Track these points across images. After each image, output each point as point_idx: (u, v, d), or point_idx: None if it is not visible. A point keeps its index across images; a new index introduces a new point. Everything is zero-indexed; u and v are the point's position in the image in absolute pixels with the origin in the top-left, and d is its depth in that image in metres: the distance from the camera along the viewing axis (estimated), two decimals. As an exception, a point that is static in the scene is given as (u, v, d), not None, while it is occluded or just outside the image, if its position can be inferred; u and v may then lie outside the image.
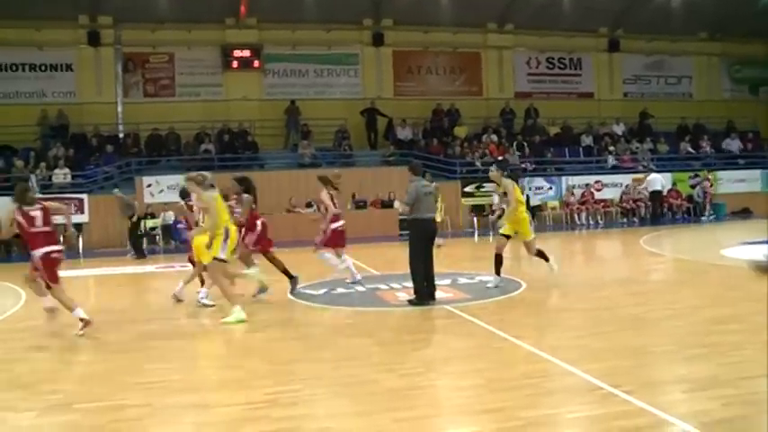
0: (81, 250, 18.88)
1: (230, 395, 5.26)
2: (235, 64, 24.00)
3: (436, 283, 9.05)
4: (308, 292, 10.10)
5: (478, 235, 20.57)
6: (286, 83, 24.70)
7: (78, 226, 19.18)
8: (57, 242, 7.88)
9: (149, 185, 20.29)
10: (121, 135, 23.13)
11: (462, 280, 10.60)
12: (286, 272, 10.01)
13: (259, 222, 9.89)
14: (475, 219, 22.07)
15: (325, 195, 10.57)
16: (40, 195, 19.26)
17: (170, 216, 19.38)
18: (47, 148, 21.81)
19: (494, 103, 26.32)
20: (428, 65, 26.23)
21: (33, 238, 7.72)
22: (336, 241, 10.48)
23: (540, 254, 10.17)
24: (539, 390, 5.10)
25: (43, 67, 23.22)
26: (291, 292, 9.87)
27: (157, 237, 19.68)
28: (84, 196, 19.78)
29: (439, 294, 9.01)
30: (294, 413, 4.80)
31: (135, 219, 17.39)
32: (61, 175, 20.50)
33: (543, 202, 23.23)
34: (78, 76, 23.39)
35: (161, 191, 20.25)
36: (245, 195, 9.72)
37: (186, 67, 24.05)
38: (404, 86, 25.97)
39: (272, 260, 10.05)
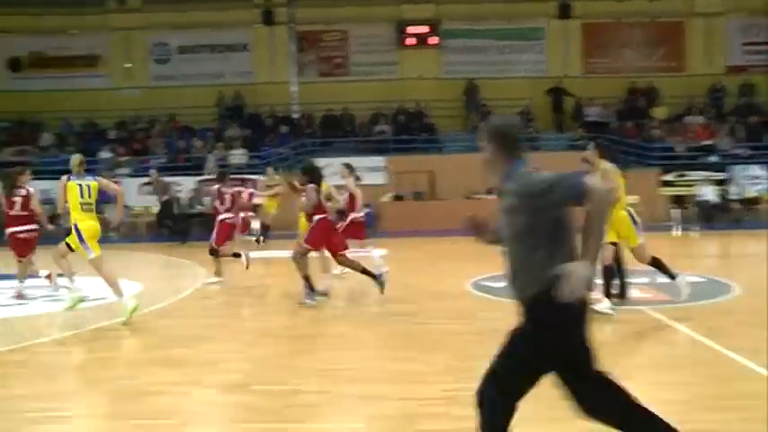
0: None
1: (407, 388, 5.35)
2: (410, 41, 24.31)
3: (631, 281, 8.64)
4: (488, 284, 10.06)
5: (682, 229, 19.33)
6: (465, 60, 24.64)
7: (255, 207, 20.51)
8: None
9: (324, 167, 21.14)
10: (296, 116, 24.34)
11: (662, 279, 10.01)
12: (366, 272, 9.19)
13: (316, 218, 9.22)
14: (676, 211, 20.75)
15: (351, 182, 10.73)
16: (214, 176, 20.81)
17: (343, 199, 20.13)
18: (224, 128, 23.50)
19: (699, 80, 24.51)
20: (622, 38, 24.96)
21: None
22: (355, 233, 10.84)
23: (657, 263, 8.18)
24: (756, 413, 4.68)
25: (220, 48, 25.01)
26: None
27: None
28: (260, 177, 21.02)
29: (635, 294, 8.60)
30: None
31: (165, 201, 18.82)
32: (237, 156, 21.97)
33: (760, 194, 21.36)
34: (253, 57, 24.92)
35: (335, 173, 21.03)
36: (310, 186, 9.25)
37: (360, 44, 24.77)
38: (594, 63, 24.96)
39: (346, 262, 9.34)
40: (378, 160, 21.24)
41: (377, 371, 5.94)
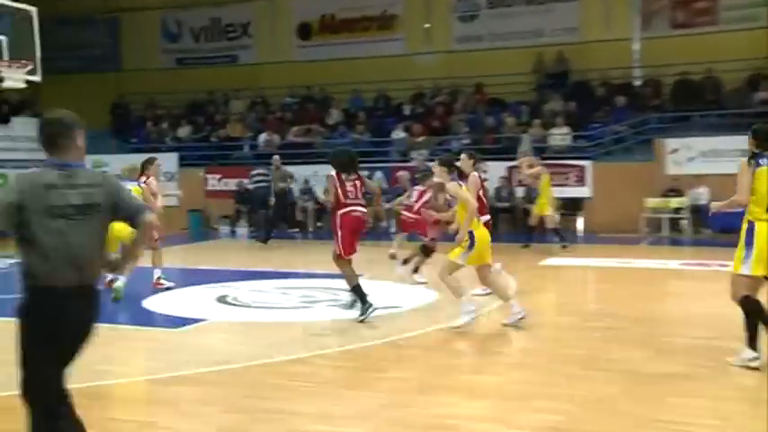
0: (580, 233, 20.01)
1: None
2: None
3: None
4: None
5: None
6: None
7: (577, 202, 20.36)
8: None
9: (674, 151, 20.34)
10: (637, 83, 23.65)
11: None
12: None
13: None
14: None
15: (474, 180, 10.54)
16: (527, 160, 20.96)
17: (702, 194, 19.20)
18: (542, 101, 23.63)
19: None
20: None
21: None
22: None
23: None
24: None
25: (540, -1, 25.18)
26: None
27: (685, 221, 19.64)
28: (587, 163, 20.81)
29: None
30: None
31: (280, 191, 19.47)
32: (558, 137, 21.92)
33: None
34: (582, 7, 24.59)
35: (691, 158, 20.10)
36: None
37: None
38: None
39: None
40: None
41: None
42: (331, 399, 6.48)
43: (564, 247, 16.41)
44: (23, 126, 24.05)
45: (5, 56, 15.15)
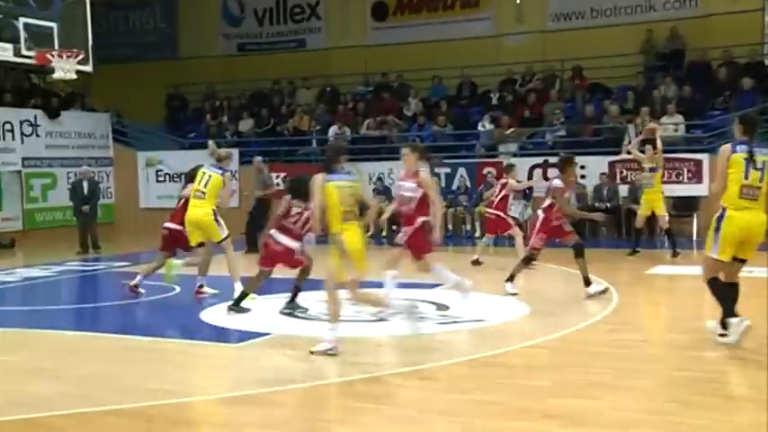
0: (695, 238, 19.62)
1: None
2: None
3: None
4: None
5: None
6: None
7: (692, 201, 19.93)
8: None
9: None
10: (768, 61, 23.12)
11: None
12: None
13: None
14: None
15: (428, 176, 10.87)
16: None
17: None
18: (652, 85, 23.19)
19: None
20: None
21: None
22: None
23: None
24: None
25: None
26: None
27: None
28: (704, 157, 20.33)
29: None
30: None
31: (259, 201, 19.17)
32: (671, 126, 21.40)
33: None
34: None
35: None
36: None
37: None
38: None
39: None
40: None
41: None
42: (408, 423, 6.49)
43: (675, 254, 16.09)
44: (74, 120, 24.67)
45: (56, 45, 15.53)
